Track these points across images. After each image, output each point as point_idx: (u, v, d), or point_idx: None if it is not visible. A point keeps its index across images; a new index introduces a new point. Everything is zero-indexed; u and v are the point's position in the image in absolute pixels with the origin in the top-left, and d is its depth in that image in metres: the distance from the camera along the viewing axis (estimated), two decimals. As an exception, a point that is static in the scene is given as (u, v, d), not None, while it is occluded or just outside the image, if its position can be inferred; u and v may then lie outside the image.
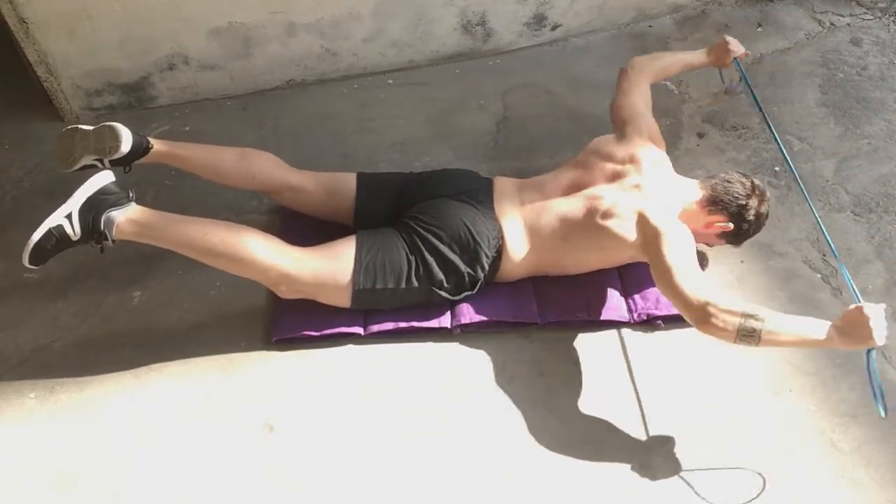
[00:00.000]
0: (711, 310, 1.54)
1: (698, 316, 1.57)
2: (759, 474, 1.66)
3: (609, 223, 1.79)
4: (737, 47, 2.19)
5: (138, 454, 1.71)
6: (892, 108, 2.59)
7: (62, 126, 2.29)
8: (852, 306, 1.51)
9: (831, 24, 2.93)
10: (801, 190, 1.95)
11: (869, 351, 1.52)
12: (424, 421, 1.77)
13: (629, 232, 1.78)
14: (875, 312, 1.48)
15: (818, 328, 1.53)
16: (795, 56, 2.79)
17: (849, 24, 2.92)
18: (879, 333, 1.47)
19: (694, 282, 1.62)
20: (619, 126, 2.04)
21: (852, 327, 1.49)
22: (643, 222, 1.76)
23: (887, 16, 2.96)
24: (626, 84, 2.12)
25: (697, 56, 2.24)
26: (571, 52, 2.81)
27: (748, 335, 1.51)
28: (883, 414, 1.49)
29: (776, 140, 2.05)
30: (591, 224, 1.82)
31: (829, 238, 1.81)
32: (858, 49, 2.81)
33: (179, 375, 1.84)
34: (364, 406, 1.79)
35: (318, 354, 1.88)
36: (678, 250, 1.69)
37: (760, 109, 2.13)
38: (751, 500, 1.63)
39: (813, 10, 2.99)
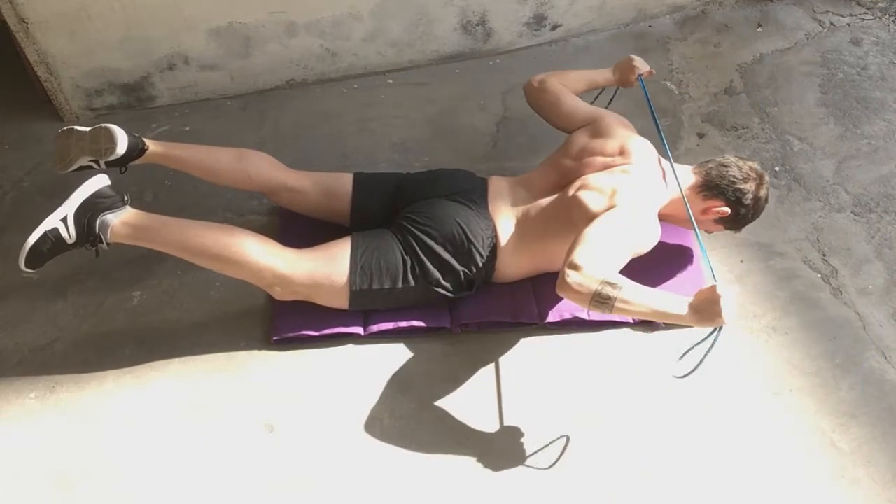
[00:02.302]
0: (572, 272, 1.54)
1: (560, 276, 1.56)
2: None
3: (581, 193, 1.77)
4: (641, 65, 2.14)
5: (137, 454, 1.71)
6: (892, 108, 2.59)
7: (62, 126, 2.30)
8: (706, 286, 1.53)
9: (831, 24, 2.93)
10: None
11: (716, 330, 1.54)
12: (424, 421, 1.77)
13: (599, 205, 1.73)
14: (727, 293, 1.50)
15: (674, 303, 1.54)
16: (795, 56, 2.79)
17: (849, 24, 2.92)
18: (728, 313, 1.49)
19: (585, 251, 1.59)
20: (586, 124, 2.01)
21: (704, 304, 1.51)
22: (612, 197, 1.74)
23: (887, 16, 2.96)
24: (549, 96, 2.08)
25: (602, 74, 2.19)
26: (571, 52, 2.81)
27: (602, 302, 1.51)
28: (680, 376, 1.56)
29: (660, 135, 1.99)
30: (567, 199, 1.80)
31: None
32: (858, 49, 2.81)
33: (179, 375, 1.84)
34: (364, 406, 1.79)
35: (317, 354, 1.88)
36: (607, 227, 1.66)
37: (658, 129, 2.03)
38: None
39: (813, 10, 2.99)
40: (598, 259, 1.58)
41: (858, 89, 2.65)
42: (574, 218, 1.77)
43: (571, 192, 1.81)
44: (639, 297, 1.53)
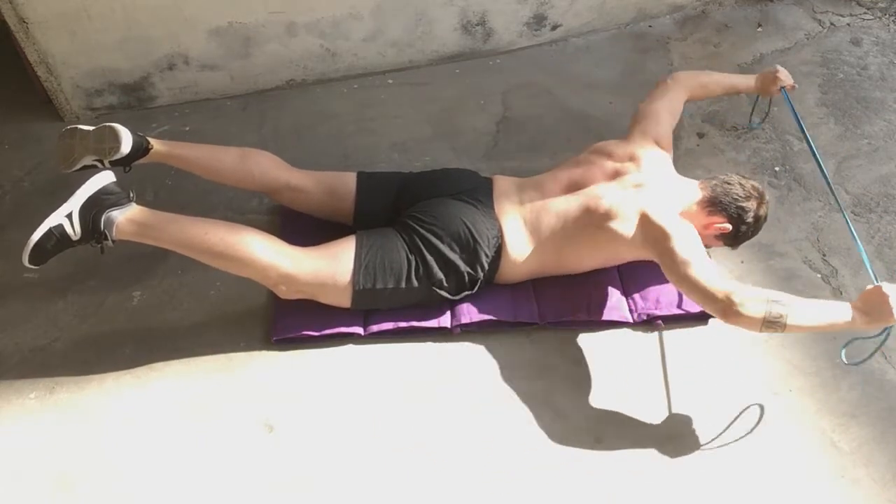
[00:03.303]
0: (736, 299, 1.56)
1: (724, 307, 1.58)
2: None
3: (611, 224, 1.79)
4: (786, 77, 2.20)
5: (137, 454, 1.71)
6: (892, 108, 2.59)
7: (62, 126, 2.30)
8: (870, 286, 1.56)
9: (831, 24, 2.93)
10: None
11: (886, 329, 1.58)
12: (424, 421, 1.77)
13: (629, 231, 1.79)
14: (893, 290, 1.53)
15: (841, 311, 1.56)
16: (795, 56, 2.79)
17: (849, 24, 2.92)
18: None
19: (712, 274, 1.64)
20: (631, 127, 2.06)
21: (873, 306, 1.54)
22: (646, 222, 1.77)
23: (887, 16, 2.96)
24: (658, 92, 2.14)
25: (743, 81, 2.25)
26: (571, 52, 2.81)
27: (773, 322, 1.54)
28: (848, 362, 1.67)
29: (821, 169, 2.04)
30: (591, 224, 1.82)
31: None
32: (858, 49, 2.81)
33: (179, 375, 1.84)
34: (364, 406, 1.79)
35: (318, 354, 1.88)
36: (689, 246, 1.70)
37: (809, 145, 2.09)
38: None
39: (813, 10, 2.99)
40: (727, 279, 1.64)
41: (858, 89, 2.65)
42: (605, 245, 1.83)
43: (596, 217, 1.81)
44: (807, 310, 1.55)
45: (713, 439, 1.74)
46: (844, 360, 1.65)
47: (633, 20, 2.92)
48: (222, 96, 2.61)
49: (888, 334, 1.58)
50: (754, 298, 1.55)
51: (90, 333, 1.93)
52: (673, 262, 1.69)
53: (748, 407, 1.79)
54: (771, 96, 2.25)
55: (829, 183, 2.02)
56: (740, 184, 1.88)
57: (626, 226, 1.79)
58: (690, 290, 1.66)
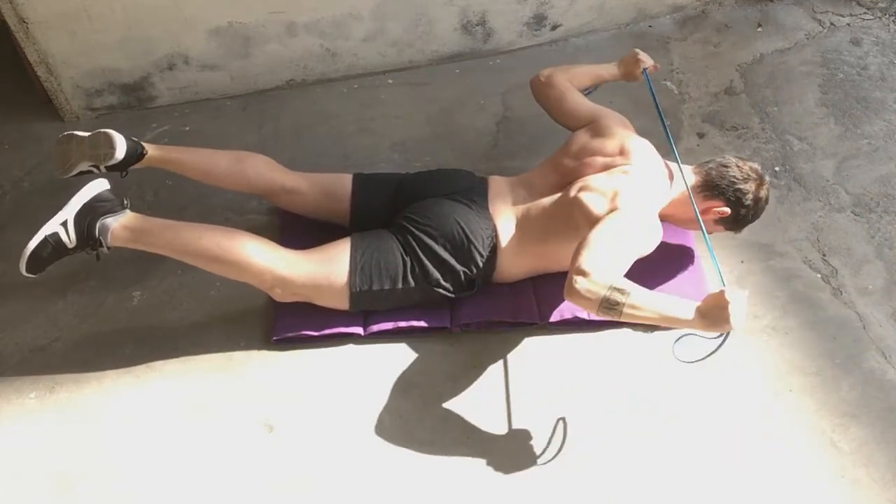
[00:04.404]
0: (580, 278, 1.54)
1: (568, 282, 1.57)
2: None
3: (583, 195, 1.77)
4: (646, 59, 2.14)
5: (137, 454, 1.71)
6: (892, 108, 2.58)
7: (62, 126, 2.30)
8: (715, 290, 1.53)
9: (831, 24, 2.93)
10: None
11: (723, 335, 1.55)
12: (424, 420, 1.77)
13: (601, 207, 1.73)
14: (736, 298, 1.49)
15: (683, 308, 1.54)
16: (795, 56, 2.79)
17: (849, 24, 2.92)
18: (737, 319, 1.48)
19: (592, 257, 1.59)
20: (587, 123, 2.01)
21: (712, 310, 1.51)
22: (613, 199, 1.74)
23: (887, 16, 2.96)
24: (555, 91, 2.09)
25: (607, 69, 2.19)
26: (571, 52, 2.81)
27: (610, 307, 1.52)
28: (684, 360, 1.59)
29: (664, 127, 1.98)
30: (568, 200, 1.80)
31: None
32: (858, 49, 2.81)
33: (179, 375, 1.84)
34: (364, 406, 1.79)
35: (317, 354, 1.88)
36: (612, 231, 1.66)
37: (663, 122, 2.03)
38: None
39: (813, 10, 2.99)
40: (604, 264, 1.58)
41: (858, 89, 2.65)
42: (576, 220, 1.77)
43: (573, 193, 1.81)
44: (647, 303, 1.53)
45: (713, 440, 1.74)
46: (676, 355, 1.59)
47: (633, 20, 2.92)
48: (222, 96, 2.61)
49: (722, 342, 1.54)
50: (598, 282, 1.53)
51: (90, 333, 1.93)
52: (589, 232, 1.65)
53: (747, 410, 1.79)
54: (636, 80, 2.17)
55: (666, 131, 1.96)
56: (737, 165, 1.85)
57: (597, 200, 1.74)
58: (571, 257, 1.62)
